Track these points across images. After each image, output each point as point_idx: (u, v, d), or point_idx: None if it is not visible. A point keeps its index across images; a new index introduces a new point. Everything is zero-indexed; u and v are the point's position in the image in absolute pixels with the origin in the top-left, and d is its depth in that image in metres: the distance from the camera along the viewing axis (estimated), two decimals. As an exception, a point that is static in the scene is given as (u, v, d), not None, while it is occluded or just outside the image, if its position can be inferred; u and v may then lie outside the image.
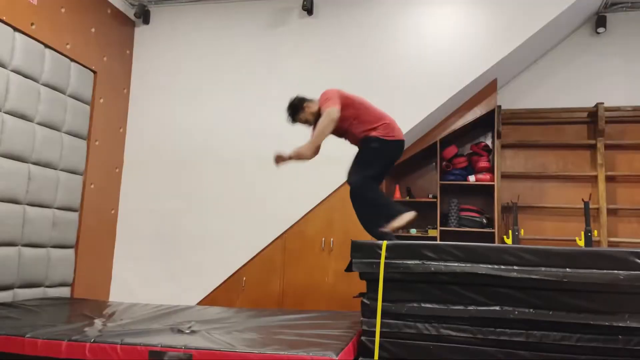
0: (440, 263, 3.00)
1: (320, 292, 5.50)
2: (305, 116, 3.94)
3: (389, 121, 3.85)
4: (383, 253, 3.08)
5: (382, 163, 3.86)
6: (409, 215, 3.62)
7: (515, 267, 2.90)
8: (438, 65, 5.60)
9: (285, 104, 5.87)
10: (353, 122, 3.81)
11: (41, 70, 5.08)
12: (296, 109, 3.95)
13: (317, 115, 3.83)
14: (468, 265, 2.95)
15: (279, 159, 3.90)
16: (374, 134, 3.76)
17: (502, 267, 2.91)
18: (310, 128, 4.03)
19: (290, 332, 3.40)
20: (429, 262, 3.01)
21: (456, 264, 2.97)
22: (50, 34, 5.17)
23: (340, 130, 3.89)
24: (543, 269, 2.87)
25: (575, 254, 2.90)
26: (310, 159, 3.81)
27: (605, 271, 2.81)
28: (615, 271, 2.80)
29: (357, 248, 3.18)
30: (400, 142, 3.86)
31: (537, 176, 6.26)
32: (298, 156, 3.76)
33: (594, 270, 2.82)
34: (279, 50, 6.07)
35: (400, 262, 3.05)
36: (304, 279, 5.57)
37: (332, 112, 3.66)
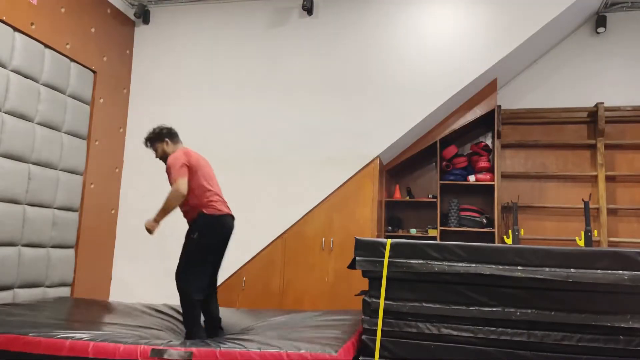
0: (444, 263, 2.99)
1: (320, 291, 5.50)
2: (158, 148, 4.04)
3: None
4: (387, 252, 3.08)
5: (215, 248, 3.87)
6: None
7: (520, 267, 2.89)
8: (438, 64, 5.60)
9: (284, 103, 5.91)
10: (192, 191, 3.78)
11: (41, 70, 5.07)
12: (156, 138, 4.04)
13: (165, 156, 3.95)
14: (472, 265, 2.95)
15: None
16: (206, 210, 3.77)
17: (507, 267, 2.91)
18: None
19: (290, 331, 3.40)
20: (432, 262, 3.01)
21: (460, 264, 2.97)
22: (50, 34, 5.16)
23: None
24: (547, 269, 2.87)
25: (579, 254, 2.90)
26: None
27: (609, 271, 2.81)
28: (620, 271, 2.79)
29: (361, 246, 3.17)
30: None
31: (537, 176, 6.26)
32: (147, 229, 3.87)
33: (598, 271, 2.82)
34: (278, 50, 6.07)
35: (404, 261, 3.05)
36: (304, 279, 5.57)
37: (180, 187, 3.67)
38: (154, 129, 4.07)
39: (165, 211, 3.77)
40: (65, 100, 5.38)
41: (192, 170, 3.76)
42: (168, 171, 3.77)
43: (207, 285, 3.80)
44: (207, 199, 3.80)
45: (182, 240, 5.98)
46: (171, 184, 3.71)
